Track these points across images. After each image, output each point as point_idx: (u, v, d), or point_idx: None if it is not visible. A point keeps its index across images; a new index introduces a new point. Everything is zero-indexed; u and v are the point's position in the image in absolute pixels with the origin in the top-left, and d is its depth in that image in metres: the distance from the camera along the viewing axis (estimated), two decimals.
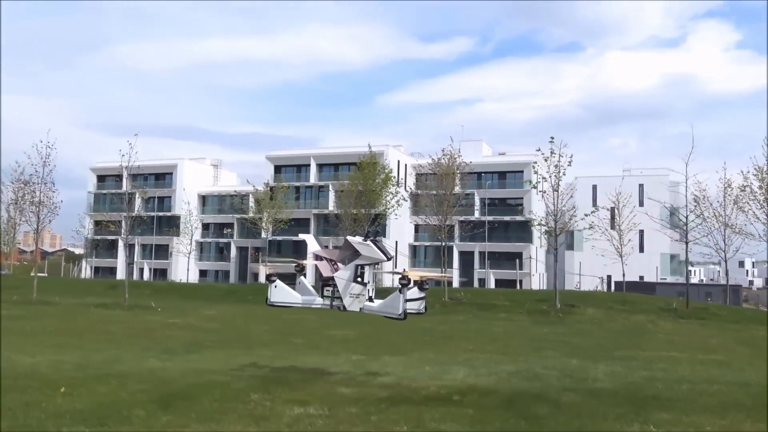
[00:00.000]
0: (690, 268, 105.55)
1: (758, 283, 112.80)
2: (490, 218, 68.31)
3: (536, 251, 70.59)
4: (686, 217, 26.21)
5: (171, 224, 70.94)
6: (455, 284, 61.34)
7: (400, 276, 8.52)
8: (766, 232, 25.73)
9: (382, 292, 9.50)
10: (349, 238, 8.85)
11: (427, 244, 71.33)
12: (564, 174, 29.93)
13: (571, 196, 29.92)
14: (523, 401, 8.60)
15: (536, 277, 70.25)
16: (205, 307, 27.58)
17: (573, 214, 28.11)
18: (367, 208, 36.18)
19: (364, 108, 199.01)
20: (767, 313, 24.58)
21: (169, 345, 13.93)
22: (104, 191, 76.11)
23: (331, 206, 68.95)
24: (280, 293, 9.33)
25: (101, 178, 77.47)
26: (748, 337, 19.06)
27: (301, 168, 70.13)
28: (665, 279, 73.67)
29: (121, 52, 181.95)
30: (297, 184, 69.00)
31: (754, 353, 15.30)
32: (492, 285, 66.48)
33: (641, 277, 70.16)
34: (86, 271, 73.14)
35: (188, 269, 60.90)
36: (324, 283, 8.96)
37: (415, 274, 8.69)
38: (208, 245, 75.15)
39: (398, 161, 69.66)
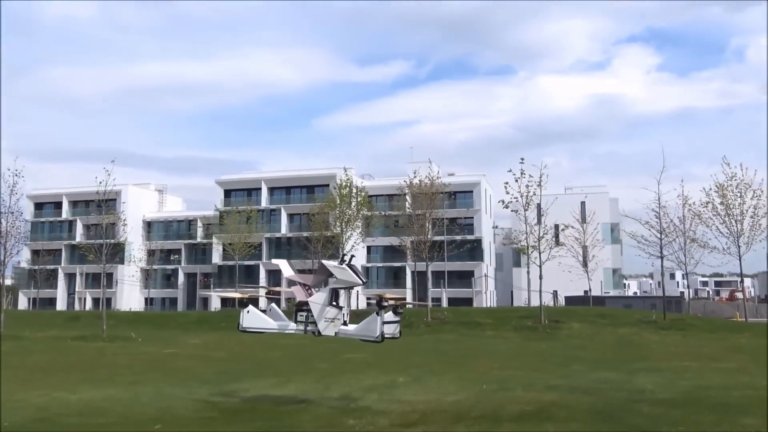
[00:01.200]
0: (624, 281, 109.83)
1: (689, 293, 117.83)
2: (443, 238, 69.32)
3: (486, 269, 71.96)
4: (660, 233, 27.49)
5: (115, 252, 68.55)
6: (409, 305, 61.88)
7: (377, 299, 8.51)
8: (734, 246, 27.29)
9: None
10: (324, 261, 8.81)
11: (379, 265, 71.61)
12: (534, 194, 30.90)
13: (542, 215, 30.81)
14: (613, 413, 8.97)
15: (487, 295, 71.55)
16: (184, 335, 26.90)
17: (546, 231, 29.03)
18: (345, 231, 36.16)
19: (303, 131, 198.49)
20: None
21: (201, 376, 13.63)
22: (42, 219, 72.97)
23: (284, 230, 68.42)
24: (253, 319, 9.07)
25: (39, 206, 74.15)
26: (733, 345, 20.17)
27: (251, 192, 69.26)
28: (608, 293, 76.41)
29: (51, 77, 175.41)
30: (248, 208, 68.11)
31: (753, 359, 16.23)
32: (445, 304, 67.33)
33: (585, 292, 72.12)
34: (23, 303, 69.72)
35: (148, 298, 59.15)
36: (298, 307, 8.86)
37: (391, 297, 8.73)
38: (154, 272, 72.90)
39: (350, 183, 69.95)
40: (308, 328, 8.72)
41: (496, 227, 57.03)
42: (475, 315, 29.18)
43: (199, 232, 73.34)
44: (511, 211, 32.90)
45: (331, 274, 8.46)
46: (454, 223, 72.76)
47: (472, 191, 70.92)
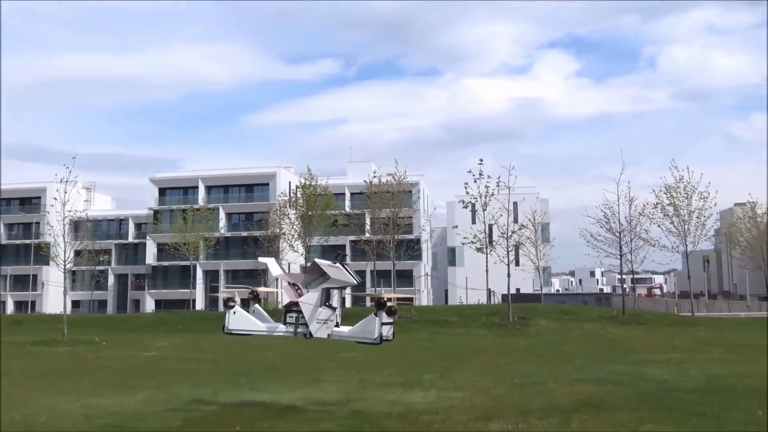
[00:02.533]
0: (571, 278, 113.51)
1: (607, 290, 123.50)
2: (388, 237, 69.82)
3: (424, 268, 73.12)
4: (619, 233, 28.87)
5: (39, 252, 65.28)
6: (347, 304, 62.10)
7: (376, 299, 8.39)
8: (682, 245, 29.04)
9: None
10: (317, 260, 8.58)
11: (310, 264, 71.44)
12: (493, 195, 31.98)
13: (501, 215, 31.76)
14: (662, 402, 9.54)
15: (425, 294, 72.75)
16: (147, 338, 26.03)
17: (514, 230, 29.95)
18: (310, 232, 35.91)
19: (230, 128, 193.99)
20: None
21: (218, 378, 13.34)
22: None
23: (222, 229, 66.99)
24: (240, 320, 8.61)
25: None
26: (697, 337, 21.53)
27: (187, 190, 67.48)
28: (539, 290, 79.18)
29: None
30: (184, 206, 66.18)
31: (728, 350, 17.46)
32: None
33: (518, 290, 74.27)
34: None
35: (92, 300, 56.63)
36: (287, 308, 8.53)
37: (390, 297, 8.56)
38: (82, 273, 69.79)
39: (289, 182, 69.34)
40: (298, 330, 8.42)
41: (456, 227, 57.57)
42: (441, 313, 29.71)
43: (131, 231, 70.83)
44: (470, 211, 34.00)
45: (323, 274, 8.27)
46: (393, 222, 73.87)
47: (410, 191, 71.78)
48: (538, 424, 8.23)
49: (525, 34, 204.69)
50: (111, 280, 69.66)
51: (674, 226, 29.58)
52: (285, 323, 8.51)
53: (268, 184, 66.67)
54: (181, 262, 63.23)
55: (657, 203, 29.97)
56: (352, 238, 65.69)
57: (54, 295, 65.76)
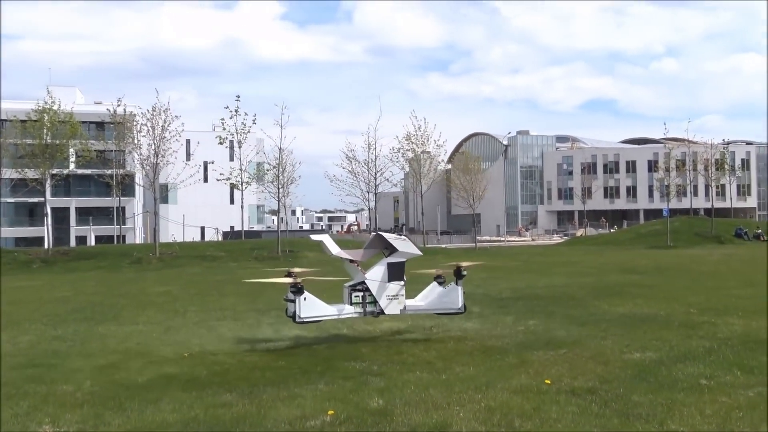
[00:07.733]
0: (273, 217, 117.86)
1: (306, 227, 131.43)
2: (88, 171, 64.19)
3: (137, 206, 69.79)
4: (375, 175, 31.80)
5: None
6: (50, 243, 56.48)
7: (456, 268, 8.68)
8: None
9: None
10: (381, 233, 8.57)
11: (10, 200, 63.08)
12: (250, 131, 33.18)
13: (258, 152, 32.93)
14: (513, 307, 12.00)
15: (138, 231, 69.67)
16: None
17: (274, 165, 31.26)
18: (51, 166, 31.70)
19: None
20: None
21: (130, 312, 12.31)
22: None
23: None
24: (312, 306, 8.16)
25: None
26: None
27: None
28: (253, 227, 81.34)
29: None
30: None
31: (483, 271, 21.23)
32: (93, 242, 63.48)
33: (232, 227, 75.26)
34: None
35: None
36: (352, 288, 8.33)
37: (467, 265, 8.76)
38: None
39: None
40: (367, 308, 8.28)
41: (213, 162, 54.80)
42: (204, 249, 29.64)
43: None
44: (225, 147, 34.63)
45: (387, 247, 8.31)
46: (101, 156, 68.10)
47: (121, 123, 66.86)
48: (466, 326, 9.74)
49: None
50: None
51: (412, 169, 33.76)
52: (351, 303, 8.27)
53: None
54: None
55: (399, 149, 33.85)
56: (54, 171, 59.46)
57: None
